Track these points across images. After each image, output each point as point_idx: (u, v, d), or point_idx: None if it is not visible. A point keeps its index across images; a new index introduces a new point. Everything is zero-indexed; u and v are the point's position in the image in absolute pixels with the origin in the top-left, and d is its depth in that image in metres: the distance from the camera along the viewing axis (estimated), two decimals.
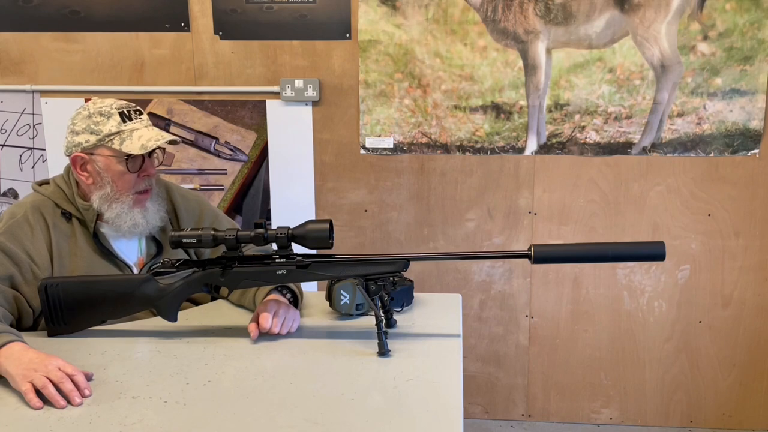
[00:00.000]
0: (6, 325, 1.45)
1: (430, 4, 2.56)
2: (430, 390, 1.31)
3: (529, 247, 1.45)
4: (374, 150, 2.72)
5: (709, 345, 2.77)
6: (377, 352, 1.45)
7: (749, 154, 2.59)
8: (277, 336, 1.54)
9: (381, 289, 1.50)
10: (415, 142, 2.70)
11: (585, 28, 2.54)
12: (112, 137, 1.62)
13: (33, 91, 2.76)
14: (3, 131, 2.81)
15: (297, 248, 1.51)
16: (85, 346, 1.53)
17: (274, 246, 1.51)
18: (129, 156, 1.63)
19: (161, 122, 2.74)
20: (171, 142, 1.67)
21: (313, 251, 1.50)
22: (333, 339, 1.55)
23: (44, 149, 2.80)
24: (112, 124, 1.62)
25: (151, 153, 1.68)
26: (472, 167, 2.71)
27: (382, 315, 1.50)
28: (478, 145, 2.68)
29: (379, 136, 2.70)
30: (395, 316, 1.64)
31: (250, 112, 2.73)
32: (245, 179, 2.79)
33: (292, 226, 1.49)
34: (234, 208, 2.82)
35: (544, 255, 1.45)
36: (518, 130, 2.65)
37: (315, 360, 1.44)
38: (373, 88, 2.66)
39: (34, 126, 2.80)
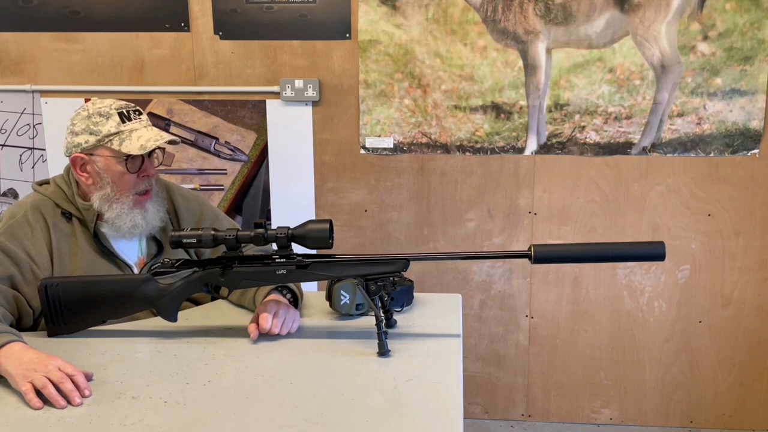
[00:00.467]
0: (6, 325, 1.45)
1: (430, 4, 2.56)
2: (430, 390, 1.31)
3: (529, 247, 1.45)
4: (374, 150, 2.72)
5: (709, 345, 2.77)
6: (377, 352, 1.45)
7: (749, 154, 2.59)
8: (277, 336, 1.54)
9: (381, 289, 1.50)
10: (415, 142, 2.70)
11: (585, 28, 2.54)
12: (111, 138, 1.62)
13: (33, 91, 2.76)
14: (3, 131, 2.81)
15: (297, 248, 1.51)
16: (85, 346, 1.53)
17: (274, 246, 1.51)
18: (128, 156, 1.63)
19: (161, 122, 2.74)
20: (170, 142, 1.67)
21: (313, 251, 1.50)
22: (333, 339, 1.55)
23: (44, 149, 2.80)
24: (111, 124, 1.62)
25: (150, 153, 1.68)
26: (472, 167, 2.71)
27: (382, 315, 1.50)
28: (478, 145, 2.68)
29: (379, 136, 2.70)
30: (395, 316, 1.64)
31: (250, 112, 2.73)
32: (245, 179, 2.79)
33: (292, 226, 1.49)
34: (234, 208, 2.82)
35: (544, 255, 1.45)
36: (518, 130, 2.65)
37: (315, 360, 1.44)
38: (373, 88, 2.66)
39: (34, 126, 2.80)
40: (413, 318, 1.68)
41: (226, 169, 2.79)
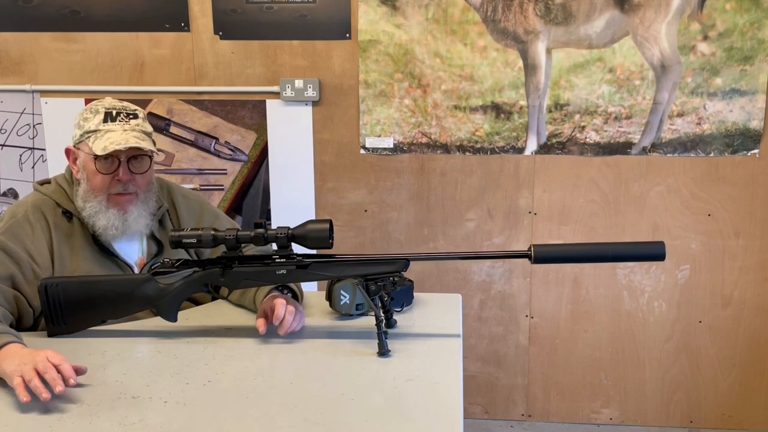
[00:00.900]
0: (6, 326, 1.45)
1: (430, 4, 2.56)
2: (430, 390, 1.31)
3: (529, 247, 1.45)
4: (374, 150, 2.72)
5: (709, 345, 2.77)
6: (377, 352, 1.45)
7: (749, 154, 2.59)
8: (278, 336, 1.54)
9: (381, 289, 1.50)
10: (415, 142, 2.70)
11: (585, 28, 2.54)
12: (90, 135, 1.62)
13: (33, 91, 2.76)
14: (3, 131, 2.81)
15: (297, 248, 1.51)
16: (85, 346, 1.53)
17: (274, 246, 1.51)
18: (97, 156, 1.60)
19: (161, 122, 2.75)
20: (138, 149, 1.60)
21: (313, 251, 1.50)
22: (333, 339, 1.56)
23: (44, 149, 2.80)
24: (95, 121, 1.62)
25: (133, 158, 1.64)
26: (472, 167, 2.71)
27: (382, 315, 1.50)
28: (478, 145, 2.68)
29: (379, 136, 2.70)
30: (395, 316, 1.64)
31: (250, 112, 2.73)
32: (245, 179, 2.79)
33: (292, 226, 1.49)
34: (234, 208, 2.82)
35: (544, 255, 1.45)
36: (518, 130, 2.65)
37: (315, 360, 1.44)
38: (373, 88, 2.66)
39: (34, 126, 2.80)
40: (413, 318, 1.68)
41: (226, 169, 2.79)
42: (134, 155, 1.64)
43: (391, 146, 2.71)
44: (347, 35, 2.63)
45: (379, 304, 1.50)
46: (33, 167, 2.83)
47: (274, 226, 1.77)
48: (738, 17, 2.47)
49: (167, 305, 1.56)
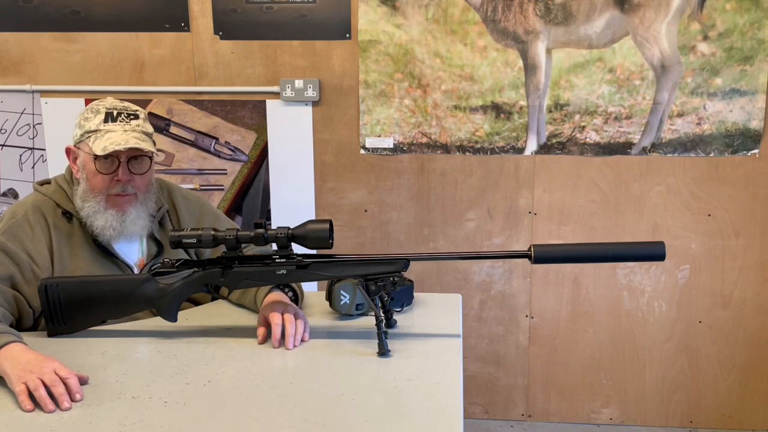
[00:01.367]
0: (6, 326, 1.45)
1: (430, 4, 2.56)
2: (430, 390, 1.31)
3: (529, 247, 1.45)
4: (374, 150, 2.72)
5: (709, 345, 2.77)
6: (377, 352, 1.45)
7: (749, 154, 2.59)
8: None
9: (381, 289, 1.50)
10: (415, 142, 2.70)
11: (585, 28, 2.54)
12: (90, 134, 1.62)
13: (33, 91, 2.76)
14: (3, 131, 2.81)
15: (297, 248, 1.51)
16: (84, 346, 1.52)
17: (274, 246, 1.51)
18: (97, 156, 1.61)
19: (161, 122, 2.75)
20: (137, 150, 1.61)
21: (313, 251, 1.50)
22: (333, 339, 1.55)
23: (44, 149, 2.80)
24: (96, 122, 1.62)
25: (133, 159, 1.64)
26: (472, 167, 2.71)
27: (382, 315, 1.50)
28: (478, 145, 2.68)
29: (379, 136, 2.70)
30: (395, 316, 1.64)
31: (250, 112, 2.73)
32: (245, 179, 2.79)
33: (292, 226, 1.49)
34: (234, 208, 2.82)
35: (544, 255, 1.45)
36: (518, 130, 2.65)
37: (315, 360, 1.44)
38: (373, 88, 2.66)
39: (34, 126, 2.80)
40: (413, 318, 1.68)
41: (226, 169, 2.79)
42: (134, 156, 1.63)
43: (391, 146, 2.71)
44: (347, 35, 2.63)
45: (379, 304, 1.50)
46: (33, 167, 2.83)
47: (274, 226, 1.77)
48: (738, 17, 2.47)
49: (167, 305, 1.56)
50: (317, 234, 1.45)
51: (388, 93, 2.66)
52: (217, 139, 2.77)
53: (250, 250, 1.80)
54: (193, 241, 1.50)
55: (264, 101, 2.71)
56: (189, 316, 1.69)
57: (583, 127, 2.63)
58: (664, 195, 2.66)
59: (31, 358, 1.32)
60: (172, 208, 1.82)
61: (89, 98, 2.73)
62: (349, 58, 2.65)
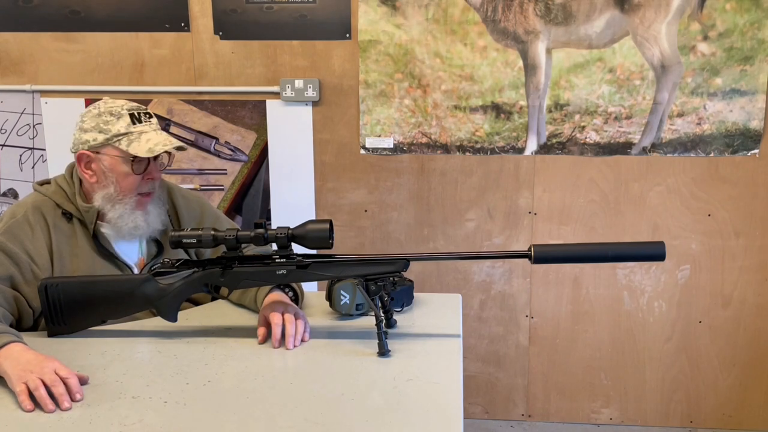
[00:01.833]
0: (6, 326, 1.45)
1: (430, 4, 2.56)
2: (430, 390, 1.31)
3: (529, 247, 1.45)
4: (374, 150, 2.72)
5: (709, 345, 2.77)
6: (377, 352, 1.45)
7: (749, 154, 2.59)
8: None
9: (381, 289, 1.50)
10: (415, 142, 2.70)
11: (585, 28, 2.54)
12: (120, 138, 1.62)
13: (33, 91, 2.76)
14: (3, 131, 2.81)
15: (297, 248, 1.51)
16: (84, 346, 1.52)
17: (274, 246, 1.51)
18: (135, 158, 1.63)
19: (161, 122, 2.74)
20: (178, 149, 1.68)
21: (313, 251, 1.50)
22: (333, 339, 1.55)
23: (44, 149, 2.80)
24: (122, 124, 1.63)
25: (156, 157, 1.68)
26: (472, 167, 2.71)
27: (382, 315, 1.50)
28: (478, 145, 2.68)
29: (379, 136, 2.70)
30: (395, 316, 1.64)
31: (250, 112, 2.73)
32: (245, 179, 2.79)
33: (292, 226, 1.49)
34: (234, 208, 2.82)
35: (544, 255, 1.45)
36: (518, 130, 2.65)
37: (315, 360, 1.44)
38: (373, 88, 2.66)
39: (34, 126, 2.80)
40: (413, 318, 1.68)
41: (226, 169, 2.79)
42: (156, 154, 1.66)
43: (391, 146, 2.71)
44: (347, 35, 2.63)
45: (379, 304, 1.50)
46: (33, 167, 2.83)
47: (274, 226, 1.77)
48: (738, 17, 2.47)
49: (167, 305, 1.56)
50: (317, 234, 1.45)
51: (388, 93, 2.66)
52: (217, 139, 2.77)
53: (250, 250, 1.80)
54: (193, 241, 1.50)
55: (264, 101, 2.71)
56: (189, 316, 1.69)
57: (583, 127, 2.63)
58: (664, 195, 2.66)
59: (32, 358, 1.32)
60: (172, 208, 1.82)
61: (89, 98, 2.73)
62: (349, 58, 2.65)
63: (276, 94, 2.70)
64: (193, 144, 2.77)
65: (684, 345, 2.78)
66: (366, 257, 1.50)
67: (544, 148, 2.66)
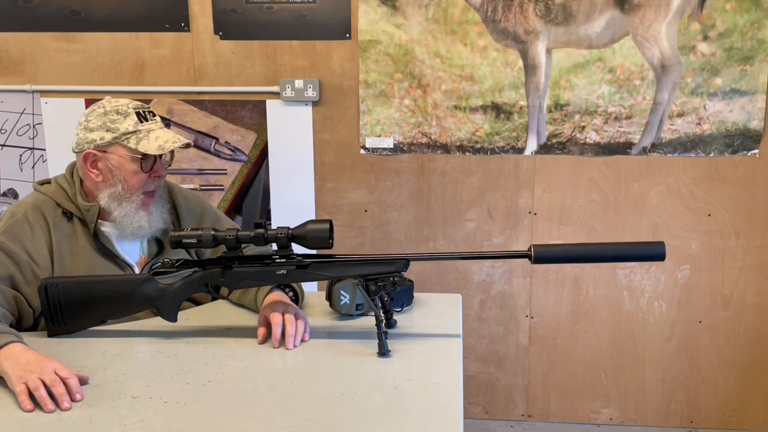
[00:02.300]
0: (6, 326, 1.45)
1: (430, 4, 2.56)
2: (430, 390, 1.31)
3: (529, 248, 1.45)
4: (374, 150, 2.72)
5: (709, 345, 2.77)
6: (377, 352, 1.45)
7: (749, 154, 2.59)
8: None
9: (381, 289, 1.50)
10: (415, 142, 2.70)
11: (585, 28, 2.54)
12: (128, 136, 1.63)
13: (33, 91, 2.76)
14: (3, 131, 2.81)
15: (297, 248, 1.51)
16: (84, 346, 1.52)
17: (274, 246, 1.51)
18: (143, 156, 1.64)
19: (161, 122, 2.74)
20: (186, 146, 1.69)
21: (313, 251, 1.50)
22: (333, 339, 1.55)
23: (44, 149, 2.80)
24: (130, 123, 1.63)
25: (161, 155, 1.68)
26: (472, 167, 2.71)
27: (382, 315, 1.50)
28: (478, 145, 2.68)
29: (379, 136, 2.71)
30: (395, 316, 1.64)
31: (250, 112, 2.73)
32: (245, 179, 2.79)
33: (292, 226, 1.49)
34: (234, 208, 2.82)
35: (544, 255, 1.45)
36: (518, 130, 2.65)
37: (315, 360, 1.44)
38: (373, 88, 2.66)
39: (34, 126, 2.80)
40: (413, 318, 1.68)
41: (226, 169, 2.79)
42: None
43: (391, 146, 2.71)
44: (347, 35, 2.63)
45: (379, 304, 1.50)
46: (33, 167, 2.83)
47: (274, 226, 1.77)
48: (738, 17, 2.47)
49: (167, 305, 1.56)
50: (317, 234, 1.45)
51: (388, 93, 2.66)
52: (217, 139, 2.77)
53: (250, 250, 1.80)
54: (194, 241, 1.50)
55: (264, 101, 2.71)
56: (189, 316, 1.69)
57: (583, 127, 2.63)
58: (664, 195, 2.66)
59: (32, 358, 1.32)
60: (172, 207, 1.82)
61: (89, 98, 2.73)
62: (349, 58, 2.65)
63: (276, 94, 2.70)
64: (193, 144, 2.77)
65: (684, 345, 2.78)
66: (366, 257, 1.50)
67: (544, 148, 2.66)
